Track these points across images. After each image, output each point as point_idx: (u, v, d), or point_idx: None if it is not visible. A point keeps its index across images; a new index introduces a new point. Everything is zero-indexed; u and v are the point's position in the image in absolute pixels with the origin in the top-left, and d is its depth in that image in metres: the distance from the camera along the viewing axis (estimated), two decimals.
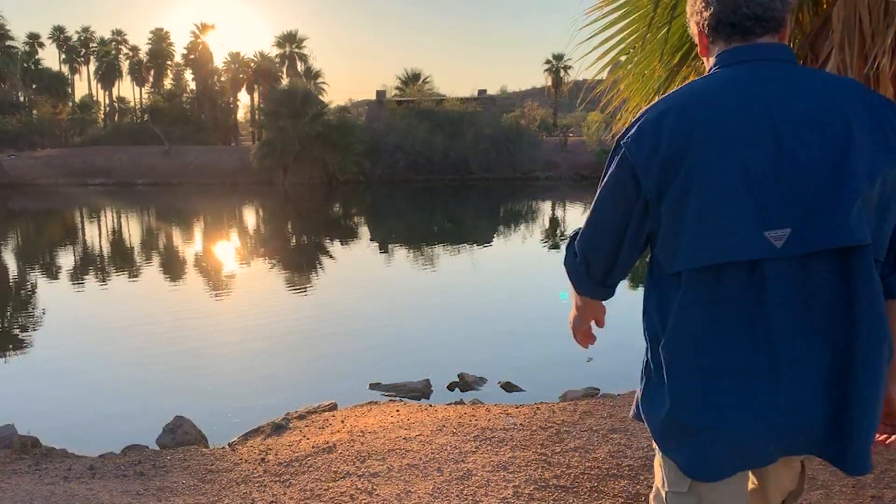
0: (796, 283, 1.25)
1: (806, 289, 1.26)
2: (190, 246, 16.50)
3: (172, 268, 13.00)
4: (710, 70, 1.39)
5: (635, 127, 1.34)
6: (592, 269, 1.46)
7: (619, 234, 1.38)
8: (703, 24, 1.39)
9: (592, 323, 1.61)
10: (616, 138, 1.39)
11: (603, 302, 1.56)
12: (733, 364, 1.28)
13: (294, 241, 17.92)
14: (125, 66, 66.64)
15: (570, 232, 1.58)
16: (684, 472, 1.39)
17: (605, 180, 1.39)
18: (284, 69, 61.44)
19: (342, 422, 3.94)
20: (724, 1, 1.34)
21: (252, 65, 59.63)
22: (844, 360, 1.28)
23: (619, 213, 1.36)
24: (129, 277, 12.03)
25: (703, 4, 1.38)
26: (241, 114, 68.02)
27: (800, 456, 1.48)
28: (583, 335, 1.62)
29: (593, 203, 1.43)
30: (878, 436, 1.41)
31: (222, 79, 62.74)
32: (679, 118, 1.28)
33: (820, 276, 1.25)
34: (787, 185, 1.22)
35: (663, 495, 1.47)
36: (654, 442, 1.48)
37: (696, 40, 1.46)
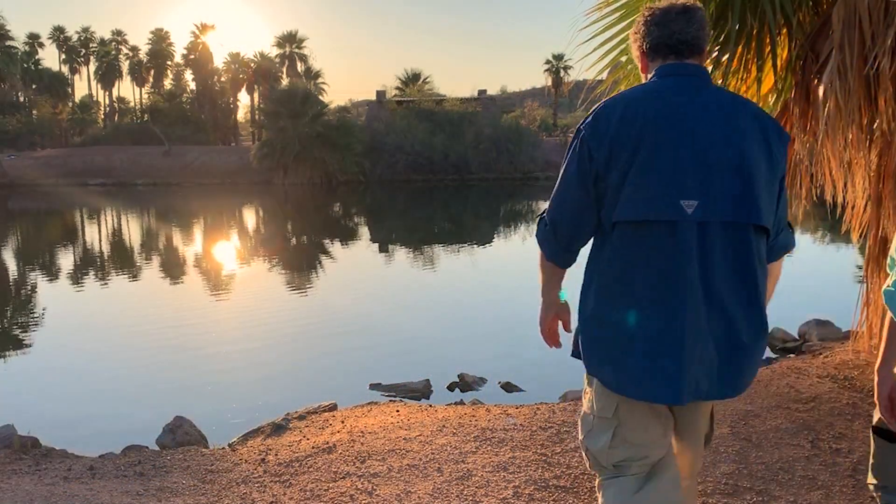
0: (704, 244, 1.67)
1: (711, 250, 1.68)
2: (190, 246, 16.50)
3: (172, 268, 13.00)
4: (649, 79, 1.83)
5: (592, 116, 1.76)
6: (560, 235, 1.84)
7: (580, 201, 1.77)
8: (645, 47, 1.84)
9: (560, 327, 1.99)
10: (577, 126, 1.80)
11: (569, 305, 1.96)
12: (651, 297, 1.69)
13: (294, 241, 17.92)
14: (125, 66, 66.62)
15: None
16: (610, 388, 1.77)
17: (567, 159, 1.82)
18: (284, 69, 61.42)
19: (342, 422, 3.94)
20: (664, 30, 1.79)
21: (252, 65, 59.61)
22: (735, 310, 1.70)
23: (578, 183, 1.76)
24: (129, 278, 12.03)
25: (646, 31, 1.83)
26: (241, 114, 68.00)
27: (707, 401, 1.89)
28: (549, 333, 1.99)
29: (558, 180, 1.83)
30: None
31: (222, 79, 62.70)
32: (625, 112, 1.70)
33: (720, 242, 1.68)
34: (699, 168, 1.66)
35: (591, 419, 1.87)
36: (584, 376, 1.89)
37: (637, 61, 1.91)
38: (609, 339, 1.75)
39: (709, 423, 1.99)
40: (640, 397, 1.74)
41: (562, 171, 1.83)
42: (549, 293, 1.95)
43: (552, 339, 2.00)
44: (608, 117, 1.71)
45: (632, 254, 1.70)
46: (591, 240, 1.83)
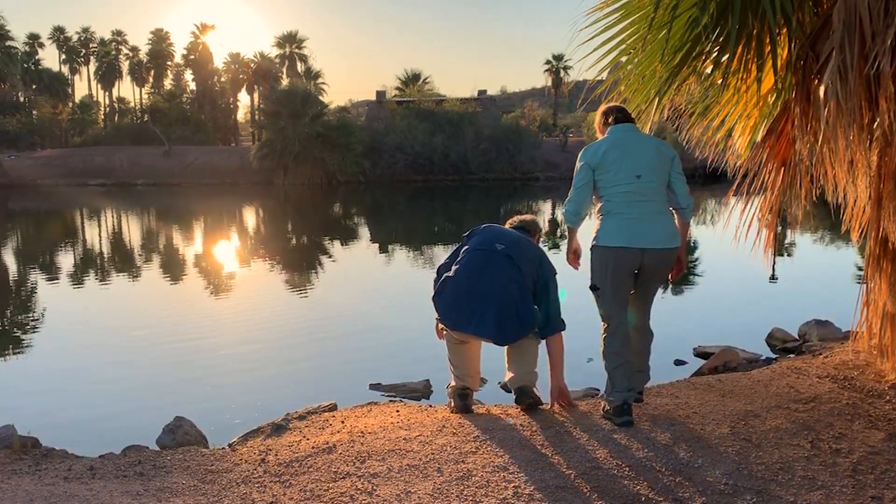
0: (502, 262, 3.67)
1: (505, 266, 3.65)
2: (190, 246, 16.51)
3: (172, 268, 13.00)
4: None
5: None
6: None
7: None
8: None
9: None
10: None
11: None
12: (464, 282, 3.69)
13: (294, 241, 17.92)
14: (125, 66, 66.67)
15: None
16: (443, 322, 3.84)
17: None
18: (284, 69, 61.47)
19: (342, 422, 3.94)
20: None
21: (252, 65, 59.64)
22: (502, 301, 3.62)
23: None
24: (129, 277, 12.03)
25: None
26: (241, 114, 68.07)
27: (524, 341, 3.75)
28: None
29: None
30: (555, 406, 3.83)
31: (222, 79, 62.74)
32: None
33: (511, 267, 3.67)
34: (510, 244, 3.77)
35: (450, 385, 4.02)
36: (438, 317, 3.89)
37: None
38: (449, 302, 3.71)
39: (531, 356, 3.78)
40: (458, 329, 3.71)
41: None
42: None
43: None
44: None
45: (470, 263, 3.73)
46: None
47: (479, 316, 3.59)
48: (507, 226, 4.03)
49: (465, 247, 3.84)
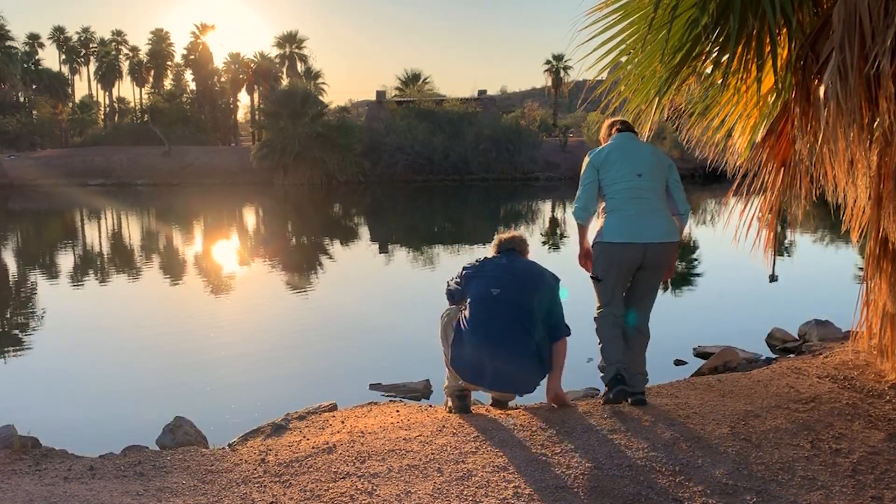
0: (503, 310, 3.68)
1: (506, 313, 3.68)
2: (190, 247, 16.50)
3: (172, 268, 13.00)
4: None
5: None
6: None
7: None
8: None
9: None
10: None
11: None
12: (473, 338, 3.70)
13: (294, 241, 17.92)
14: (125, 66, 66.63)
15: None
16: (460, 377, 3.82)
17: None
18: (284, 69, 61.43)
19: (342, 422, 3.94)
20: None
21: (252, 65, 59.60)
22: (510, 352, 3.67)
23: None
24: (129, 278, 12.03)
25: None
26: (241, 114, 68.04)
27: (505, 394, 3.93)
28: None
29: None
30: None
31: (222, 79, 62.72)
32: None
33: (512, 309, 3.68)
34: (503, 277, 3.79)
35: (447, 378, 3.97)
36: (447, 365, 3.89)
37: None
38: (462, 360, 3.74)
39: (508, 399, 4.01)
40: (477, 385, 3.81)
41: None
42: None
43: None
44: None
45: (474, 317, 3.71)
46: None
47: (494, 373, 3.70)
48: (494, 250, 4.00)
49: (466, 293, 3.84)
